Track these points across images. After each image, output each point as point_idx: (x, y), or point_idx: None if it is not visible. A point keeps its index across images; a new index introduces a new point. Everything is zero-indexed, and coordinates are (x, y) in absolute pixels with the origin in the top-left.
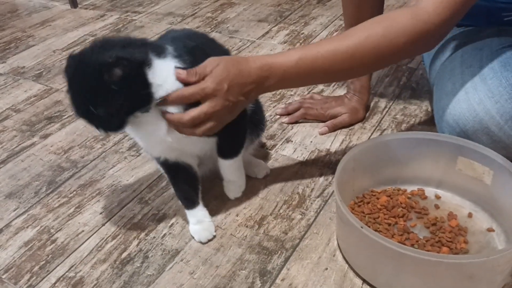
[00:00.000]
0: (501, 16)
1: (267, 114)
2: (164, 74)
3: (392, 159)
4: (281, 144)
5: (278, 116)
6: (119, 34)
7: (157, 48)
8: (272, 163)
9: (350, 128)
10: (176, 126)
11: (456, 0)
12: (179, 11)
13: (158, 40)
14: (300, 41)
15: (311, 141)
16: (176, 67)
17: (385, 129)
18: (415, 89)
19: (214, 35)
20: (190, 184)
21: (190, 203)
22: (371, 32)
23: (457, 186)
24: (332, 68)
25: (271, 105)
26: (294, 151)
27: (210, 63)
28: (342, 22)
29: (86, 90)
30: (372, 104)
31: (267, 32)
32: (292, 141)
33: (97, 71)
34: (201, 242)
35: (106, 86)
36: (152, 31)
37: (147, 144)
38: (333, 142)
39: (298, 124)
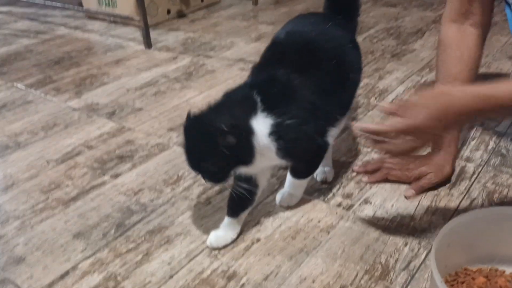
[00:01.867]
0: None
1: (342, 171)
2: (263, 136)
3: (489, 235)
4: (359, 205)
5: (355, 174)
6: (191, 77)
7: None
8: (350, 225)
9: (435, 194)
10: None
11: None
12: (249, 57)
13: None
14: (375, 95)
15: (393, 205)
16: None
17: (474, 198)
18: (505, 156)
19: None
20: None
21: (233, 212)
22: None
23: None
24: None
25: (347, 161)
26: (374, 214)
27: (424, 99)
28: (419, 78)
29: (200, 148)
30: (458, 169)
31: None
32: (371, 203)
33: (212, 135)
34: (210, 245)
35: (218, 148)
36: (223, 76)
37: (247, 170)
38: (417, 209)
39: (377, 185)
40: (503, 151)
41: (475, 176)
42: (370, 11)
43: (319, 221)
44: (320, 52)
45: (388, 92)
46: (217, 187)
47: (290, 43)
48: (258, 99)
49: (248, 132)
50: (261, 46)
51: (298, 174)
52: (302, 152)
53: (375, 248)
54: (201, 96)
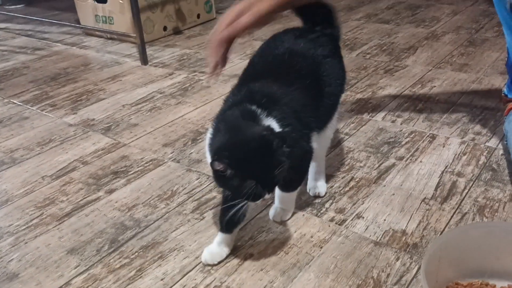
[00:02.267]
0: None
1: (335, 185)
2: None
3: (480, 249)
4: (352, 220)
5: (347, 189)
6: (186, 92)
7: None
8: (343, 240)
9: (427, 208)
10: None
11: None
12: None
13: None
14: (368, 110)
15: (385, 219)
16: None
17: (466, 213)
18: (496, 171)
19: None
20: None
21: (227, 228)
22: None
23: None
24: None
25: (339, 176)
26: (366, 229)
27: None
28: (411, 93)
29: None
30: (450, 184)
31: None
32: (363, 217)
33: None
34: (205, 262)
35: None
36: (218, 92)
37: None
38: (409, 223)
39: (369, 200)
40: (494, 166)
41: (466, 191)
42: (364, 28)
43: (311, 236)
44: (295, 67)
45: (381, 108)
46: (211, 202)
47: (265, 62)
48: (258, 111)
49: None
50: None
51: (286, 187)
52: (294, 158)
53: (367, 263)
54: (196, 111)
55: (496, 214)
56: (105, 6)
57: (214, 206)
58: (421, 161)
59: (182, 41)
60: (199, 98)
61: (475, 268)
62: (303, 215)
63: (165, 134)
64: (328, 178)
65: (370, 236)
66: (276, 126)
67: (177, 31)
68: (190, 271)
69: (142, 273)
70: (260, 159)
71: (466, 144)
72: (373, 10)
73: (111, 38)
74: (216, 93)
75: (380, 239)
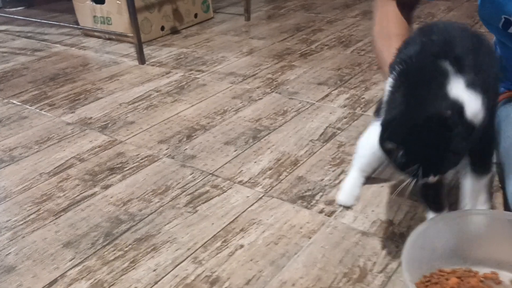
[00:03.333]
0: None
1: (326, 178)
2: None
3: (463, 237)
4: (341, 211)
5: (338, 181)
6: (183, 90)
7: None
8: (331, 230)
9: (415, 199)
10: None
11: None
12: (240, 71)
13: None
14: (361, 105)
15: (373, 210)
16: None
17: (453, 203)
18: None
19: (274, 95)
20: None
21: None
22: None
23: None
24: None
25: (330, 169)
26: (355, 220)
27: None
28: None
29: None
30: None
31: (327, 95)
32: (352, 209)
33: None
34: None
35: None
36: (213, 89)
37: None
38: (397, 213)
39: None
40: None
41: (453, 181)
42: (359, 25)
43: (301, 228)
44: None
45: (373, 102)
46: (203, 196)
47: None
48: (450, 70)
49: None
50: (252, 60)
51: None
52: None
53: (354, 252)
54: (192, 109)
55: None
56: (103, 7)
57: (206, 200)
58: None
59: (179, 41)
60: (195, 96)
61: (459, 255)
62: (294, 207)
63: (161, 131)
64: (319, 171)
65: (358, 226)
66: (468, 96)
67: (174, 31)
68: (182, 262)
69: (135, 264)
70: (432, 143)
71: None
72: (369, 8)
73: (109, 39)
74: (211, 90)
75: (368, 229)
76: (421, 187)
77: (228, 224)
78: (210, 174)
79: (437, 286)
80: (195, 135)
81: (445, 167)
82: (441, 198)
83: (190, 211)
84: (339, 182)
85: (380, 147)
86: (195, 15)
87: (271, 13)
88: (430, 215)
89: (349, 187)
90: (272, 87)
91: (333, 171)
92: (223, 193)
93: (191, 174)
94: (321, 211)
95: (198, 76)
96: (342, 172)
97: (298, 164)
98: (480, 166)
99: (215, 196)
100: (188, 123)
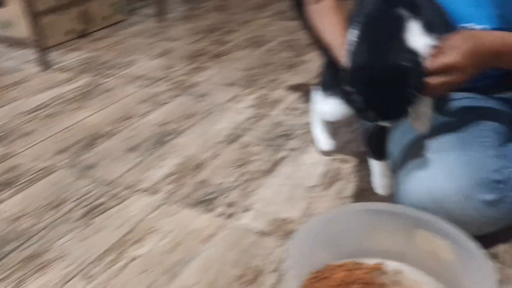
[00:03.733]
0: None
1: (229, 180)
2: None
3: (350, 231)
4: (241, 213)
5: (240, 182)
6: (87, 97)
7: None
8: (229, 233)
9: (311, 196)
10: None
11: None
12: (149, 74)
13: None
14: (269, 105)
15: (271, 209)
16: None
17: (348, 197)
18: None
19: (183, 98)
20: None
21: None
22: None
23: (418, 261)
24: None
25: (233, 170)
26: (254, 220)
27: (457, 40)
28: (310, 87)
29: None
30: (334, 169)
31: (235, 96)
32: (251, 209)
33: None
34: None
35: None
36: (120, 94)
37: None
38: (293, 210)
39: (260, 191)
40: None
41: (351, 176)
42: (271, 25)
43: (199, 232)
44: None
45: (280, 101)
46: (100, 207)
47: None
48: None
49: None
50: (164, 62)
51: None
52: None
53: (250, 253)
54: (96, 115)
55: (376, 196)
56: (2, 11)
57: (104, 211)
58: (311, 151)
59: (88, 44)
60: (100, 102)
61: (347, 249)
62: (194, 212)
63: (60, 140)
64: (222, 173)
65: (256, 226)
66: (424, 40)
67: (83, 34)
68: (72, 278)
69: (21, 285)
70: (390, 91)
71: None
72: (281, 8)
73: (10, 45)
74: (117, 96)
75: (265, 229)
76: (368, 136)
77: (125, 235)
78: (109, 183)
79: (325, 281)
80: (96, 143)
81: (399, 113)
82: (384, 147)
83: (85, 224)
84: (241, 183)
85: (342, 92)
86: (106, 17)
87: (186, 14)
88: (374, 164)
89: (322, 134)
90: (182, 90)
91: (236, 172)
92: (121, 202)
93: (89, 185)
94: (221, 214)
95: (105, 80)
96: (245, 172)
97: (202, 168)
98: None
99: (113, 207)
100: (90, 130)
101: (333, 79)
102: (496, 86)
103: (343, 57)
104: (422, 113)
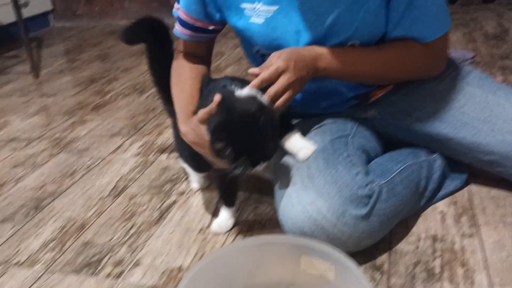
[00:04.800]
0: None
1: (115, 237)
2: None
3: (240, 269)
4: (130, 270)
5: (127, 237)
6: None
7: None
8: None
9: (203, 239)
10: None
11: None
12: (24, 135)
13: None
14: (154, 151)
15: (162, 260)
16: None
17: (238, 233)
18: (266, 186)
19: (61, 156)
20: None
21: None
22: (399, 48)
23: (307, 286)
24: (368, 67)
25: (120, 225)
26: (144, 275)
27: (274, 55)
28: None
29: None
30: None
31: (119, 146)
32: (141, 264)
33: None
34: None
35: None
36: None
37: None
38: (186, 257)
39: (149, 243)
40: (265, 182)
41: (239, 211)
42: None
43: None
44: None
45: (166, 146)
46: None
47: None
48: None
49: None
50: (39, 120)
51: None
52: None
53: None
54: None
55: (264, 228)
56: None
57: None
58: (200, 192)
59: None
60: None
61: (241, 285)
62: (78, 278)
63: None
64: (108, 230)
65: (147, 282)
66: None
67: None
68: None
69: None
70: (250, 135)
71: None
72: None
73: None
74: None
75: (156, 283)
76: (221, 184)
77: None
78: None
79: None
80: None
81: (268, 154)
82: (235, 193)
83: None
84: (129, 238)
85: (212, 149)
86: None
87: (64, 67)
88: (224, 210)
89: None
90: (60, 147)
91: (123, 227)
92: None
93: None
94: (108, 275)
95: None
96: (133, 226)
97: (85, 228)
98: None
99: None
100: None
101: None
102: (357, 106)
103: (181, 122)
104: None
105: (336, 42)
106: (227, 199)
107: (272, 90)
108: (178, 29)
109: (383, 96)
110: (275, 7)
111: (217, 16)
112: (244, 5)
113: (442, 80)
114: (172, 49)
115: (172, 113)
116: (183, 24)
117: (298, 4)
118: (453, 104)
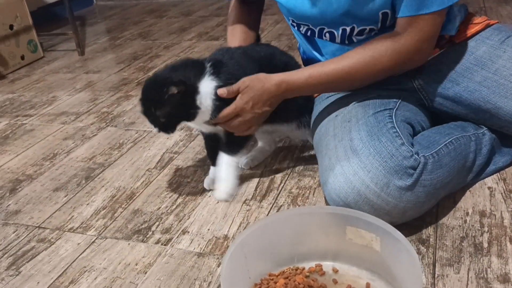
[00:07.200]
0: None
1: (163, 206)
2: (207, 98)
3: (285, 238)
4: (177, 237)
5: (175, 207)
6: (7, 140)
7: (200, 68)
8: (168, 259)
9: (247, 209)
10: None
11: (423, 29)
12: (73, 109)
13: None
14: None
15: (209, 229)
16: (217, 87)
17: (281, 205)
18: (308, 160)
19: (109, 129)
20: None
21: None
22: (362, 53)
23: (352, 257)
24: (334, 82)
25: (167, 196)
26: (191, 243)
27: (242, 84)
28: None
29: (152, 98)
30: (268, 181)
31: None
32: (188, 232)
33: (162, 86)
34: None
35: (166, 98)
36: (42, 134)
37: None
38: (231, 226)
39: (195, 213)
40: (307, 156)
41: (282, 185)
42: (196, 47)
43: (136, 264)
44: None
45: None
46: (28, 254)
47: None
48: (208, 65)
49: (194, 90)
50: (86, 96)
51: (229, 147)
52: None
53: (190, 276)
54: (17, 159)
55: (307, 200)
56: None
57: (32, 257)
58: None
59: (4, 87)
60: (21, 144)
61: (285, 256)
62: (129, 244)
63: None
64: (156, 200)
65: (194, 249)
66: (214, 84)
67: None
68: None
69: None
70: (152, 100)
71: (282, 142)
72: (204, 29)
73: None
74: (40, 135)
75: (203, 250)
76: (205, 142)
77: (56, 279)
78: (37, 227)
79: None
80: (19, 187)
81: (159, 124)
82: (215, 155)
83: (13, 274)
84: (176, 207)
85: None
86: (22, 57)
87: (107, 45)
88: (211, 169)
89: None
90: (108, 121)
91: (170, 197)
92: (51, 245)
93: (14, 232)
94: (157, 242)
95: (25, 122)
96: (179, 196)
97: (134, 197)
98: (228, 148)
99: (42, 251)
100: (12, 175)
101: None
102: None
103: None
104: (225, 178)
105: (373, 8)
106: (211, 158)
107: (232, 123)
108: None
109: (429, 62)
110: None
111: None
112: None
113: (492, 46)
114: None
115: None
116: None
117: None
118: (503, 72)
